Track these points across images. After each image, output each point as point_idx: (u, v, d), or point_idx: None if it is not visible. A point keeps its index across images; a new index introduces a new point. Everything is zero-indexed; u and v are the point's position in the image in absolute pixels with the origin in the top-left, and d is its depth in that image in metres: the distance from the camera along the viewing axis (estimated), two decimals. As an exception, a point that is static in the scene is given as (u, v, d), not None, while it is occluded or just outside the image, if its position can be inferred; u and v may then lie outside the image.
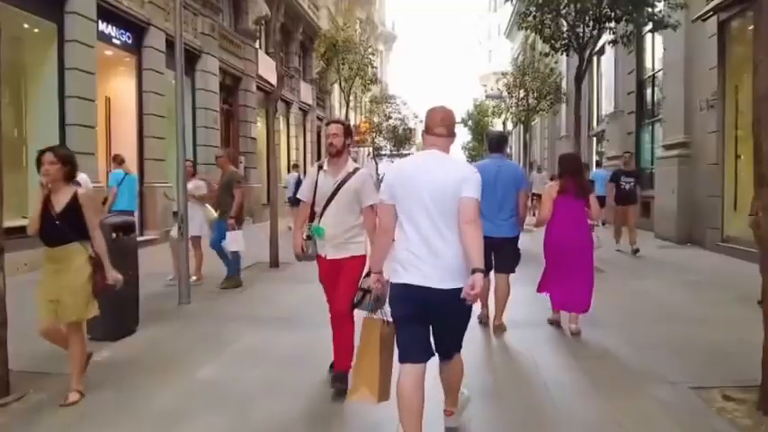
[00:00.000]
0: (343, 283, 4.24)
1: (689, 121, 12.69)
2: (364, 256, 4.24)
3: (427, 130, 3.33)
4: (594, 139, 23.80)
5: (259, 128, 22.22)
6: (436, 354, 3.31)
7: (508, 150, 7.24)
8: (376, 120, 33.13)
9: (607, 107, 18.54)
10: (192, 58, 15.53)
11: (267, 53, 22.08)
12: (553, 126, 30.38)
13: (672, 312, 6.85)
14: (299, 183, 17.56)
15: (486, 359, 5.29)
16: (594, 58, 23.44)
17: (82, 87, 11.01)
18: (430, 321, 3.21)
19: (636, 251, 11.06)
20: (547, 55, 11.37)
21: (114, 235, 5.63)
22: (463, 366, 3.53)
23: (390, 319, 3.34)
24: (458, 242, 3.07)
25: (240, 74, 19.26)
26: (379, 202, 3.37)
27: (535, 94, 16.80)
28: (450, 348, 3.38)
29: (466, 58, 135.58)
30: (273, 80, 22.15)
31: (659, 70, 15.29)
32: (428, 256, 3.08)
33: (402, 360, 3.19)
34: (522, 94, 16.78)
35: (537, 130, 37.95)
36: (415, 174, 3.17)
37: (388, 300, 3.34)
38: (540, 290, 6.08)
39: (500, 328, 5.94)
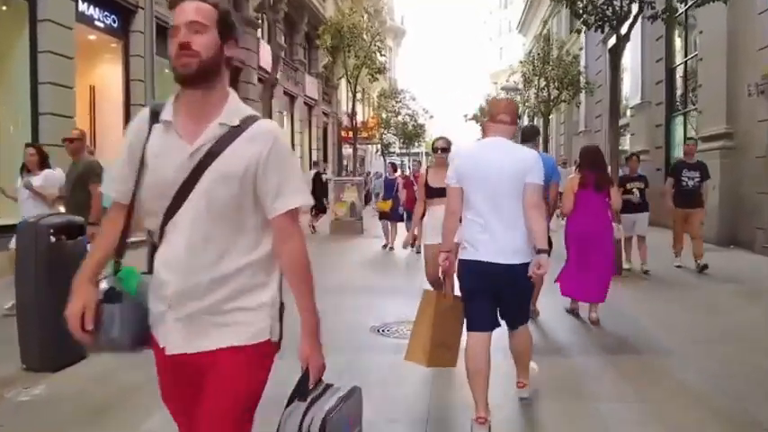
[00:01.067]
0: (213, 413, 1.76)
1: (732, 110, 11.43)
2: (266, 346, 1.83)
3: (491, 118, 3.58)
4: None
5: (261, 122, 21.16)
6: (504, 324, 3.61)
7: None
8: (384, 115, 31.81)
9: (632, 98, 17.27)
10: (185, 45, 14.39)
11: (270, 43, 20.96)
12: (570, 121, 29.08)
13: (740, 334, 5.65)
14: (317, 183, 16.46)
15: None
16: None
17: (58, 73, 9.90)
18: (496, 294, 3.48)
19: (703, 267, 8.60)
20: (579, 32, 10.19)
21: (54, 239, 4.50)
22: (531, 337, 3.82)
23: (456, 293, 3.70)
24: (520, 222, 3.37)
25: (239, 64, 18.13)
26: (448, 185, 3.56)
27: (556, 83, 15.46)
28: (516, 319, 3.65)
29: (476, 55, 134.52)
30: (274, 72, 21.16)
31: (693, 56, 14.01)
32: (494, 235, 3.37)
33: (470, 329, 3.52)
34: (542, 83, 15.46)
35: (552, 127, 36.65)
36: (482, 159, 3.46)
37: (457, 275, 3.62)
38: (558, 280, 6.08)
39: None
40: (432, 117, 35.32)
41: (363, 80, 33.69)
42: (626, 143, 20.51)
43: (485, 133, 3.74)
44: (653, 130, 16.30)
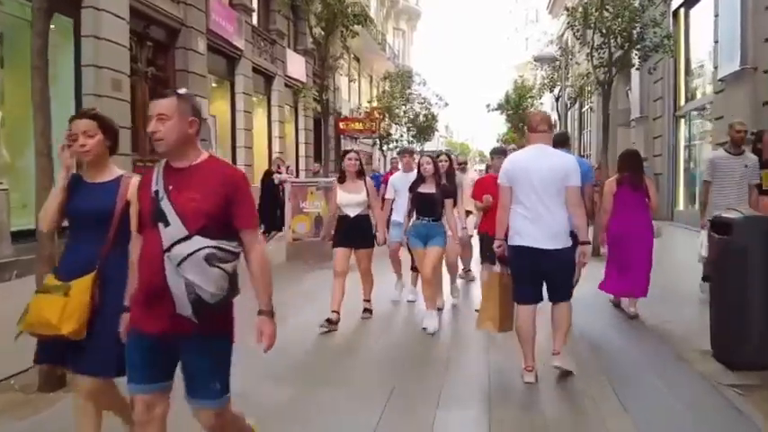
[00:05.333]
0: None
1: None
2: None
3: (532, 130, 4.56)
4: (683, 120, 17.27)
5: (220, 106, 16.38)
6: (547, 299, 4.61)
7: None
8: (392, 102, 26.67)
9: (723, 66, 12.14)
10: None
11: (231, 3, 16.18)
12: (614, 109, 23.67)
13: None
14: (268, 193, 11.76)
15: None
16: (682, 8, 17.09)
17: None
18: (541, 274, 4.45)
19: None
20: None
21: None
22: (571, 311, 4.63)
23: (508, 272, 4.65)
24: (560, 214, 4.33)
25: (178, 24, 13.38)
26: (500, 185, 4.56)
27: (618, 39, 10.26)
28: (560, 295, 4.54)
29: (497, 45, 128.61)
30: (237, 41, 16.35)
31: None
32: (538, 225, 4.30)
33: (518, 302, 4.59)
34: (597, 39, 10.37)
35: (587, 118, 31.29)
36: (528, 163, 4.39)
37: (508, 258, 4.56)
38: (601, 286, 6.54)
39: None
40: (447, 105, 30.20)
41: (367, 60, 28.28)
42: (701, 130, 15.36)
43: (527, 141, 4.68)
44: (759, 110, 11.15)
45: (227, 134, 16.24)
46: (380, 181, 10.60)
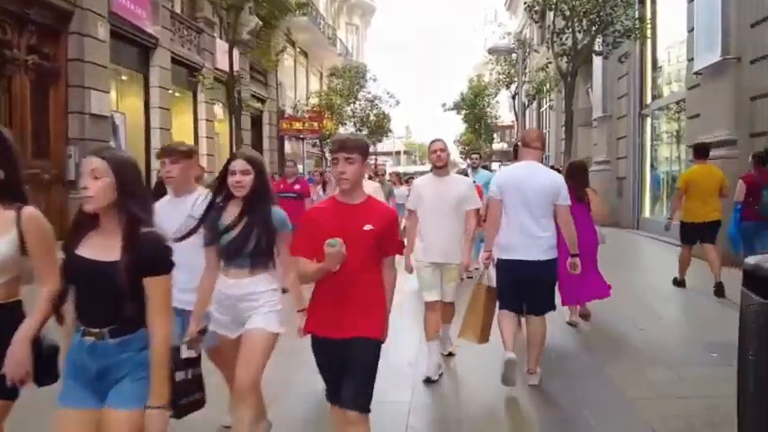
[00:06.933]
0: None
1: None
2: None
3: (526, 145, 4.67)
4: (650, 119, 15.83)
5: (132, 102, 14.28)
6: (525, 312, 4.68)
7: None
8: (338, 101, 24.74)
9: (699, 57, 10.62)
10: None
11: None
12: (575, 108, 22.27)
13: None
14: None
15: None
16: None
17: None
18: (527, 287, 4.50)
19: None
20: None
21: None
22: (546, 328, 4.66)
23: (493, 284, 4.72)
24: (548, 228, 4.46)
25: (70, 5, 11.26)
26: (490, 198, 4.65)
27: (584, 23, 8.52)
28: (540, 306, 4.60)
29: (459, 45, 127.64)
30: (151, 28, 14.23)
31: None
32: (527, 238, 4.39)
33: (501, 307, 4.65)
34: (559, 23, 8.62)
35: (545, 117, 29.93)
36: (520, 179, 4.49)
37: (496, 269, 4.62)
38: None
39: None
40: (398, 103, 28.36)
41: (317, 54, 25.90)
42: (674, 129, 13.91)
43: (519, 156, 4.87)
44: (742, 106, 9.66)
45: (139, 134, 14.13)
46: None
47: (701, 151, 7.97)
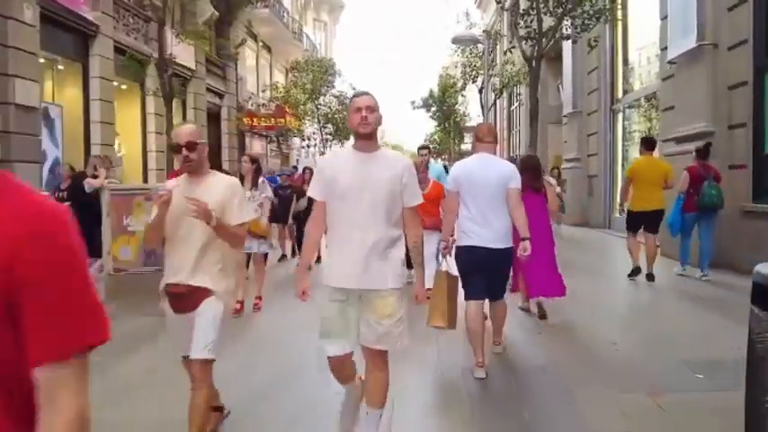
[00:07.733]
0: None
1: None
2: None
3: (479, 140, 4.81)
4: (621, 115, 15.21)
5: (69, 93, 13.21)
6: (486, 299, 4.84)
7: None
8: (302, 97, 23.76)
9: (674, 45, 9.95)
10: None
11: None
12: (545, 105, 21.68)
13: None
14: (77, 207, 8.75)
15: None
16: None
17: None
18: (484, 271, 4.63)
19: None
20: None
21: None
22: (506, 308, 5.10)
23: (453, 272, 4.74)
24: (505, 217, 4.59)
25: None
26: (448, 191, 4.83)
27: (550, 3, 7.80)
28: (498, 292, 4.89)
29: (431, 43, 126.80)
30: (89, 13, 13.17)
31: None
32: (484, 226, 4.54)
33: (467, 298, 4.72)
34: (524, 3, 7.88)
35: (516, 115, 29.34)
36: (476, 170, 4.62)
37: (455, 257, 4.72)
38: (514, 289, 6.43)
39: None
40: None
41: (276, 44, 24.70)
42: (651, 123, 13.27)
43: (474, 150, 5.03)
44: (719, 96, 9.01)
45: (78, 127, 13.06)
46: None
47: (648, 143, 8.45)
